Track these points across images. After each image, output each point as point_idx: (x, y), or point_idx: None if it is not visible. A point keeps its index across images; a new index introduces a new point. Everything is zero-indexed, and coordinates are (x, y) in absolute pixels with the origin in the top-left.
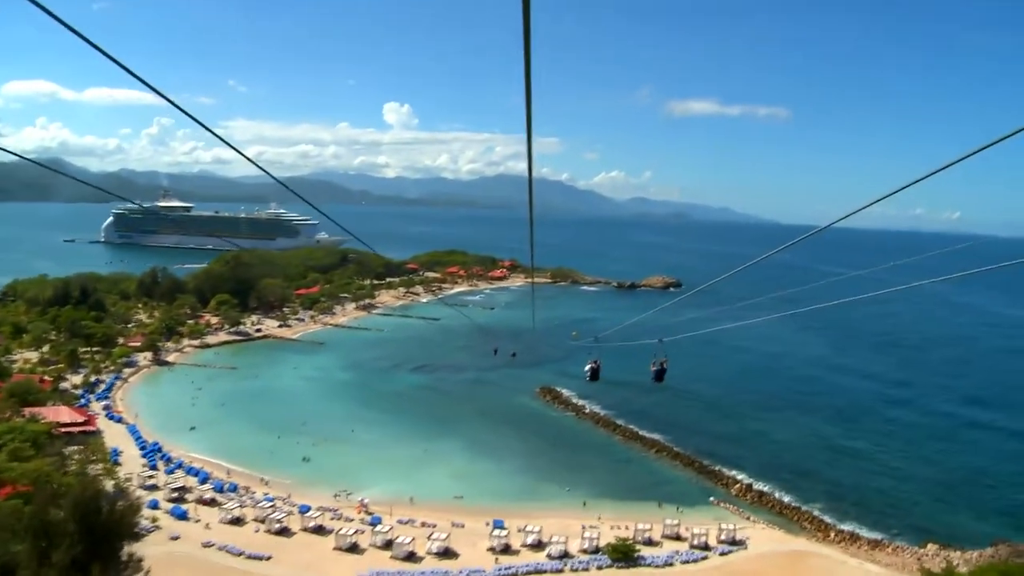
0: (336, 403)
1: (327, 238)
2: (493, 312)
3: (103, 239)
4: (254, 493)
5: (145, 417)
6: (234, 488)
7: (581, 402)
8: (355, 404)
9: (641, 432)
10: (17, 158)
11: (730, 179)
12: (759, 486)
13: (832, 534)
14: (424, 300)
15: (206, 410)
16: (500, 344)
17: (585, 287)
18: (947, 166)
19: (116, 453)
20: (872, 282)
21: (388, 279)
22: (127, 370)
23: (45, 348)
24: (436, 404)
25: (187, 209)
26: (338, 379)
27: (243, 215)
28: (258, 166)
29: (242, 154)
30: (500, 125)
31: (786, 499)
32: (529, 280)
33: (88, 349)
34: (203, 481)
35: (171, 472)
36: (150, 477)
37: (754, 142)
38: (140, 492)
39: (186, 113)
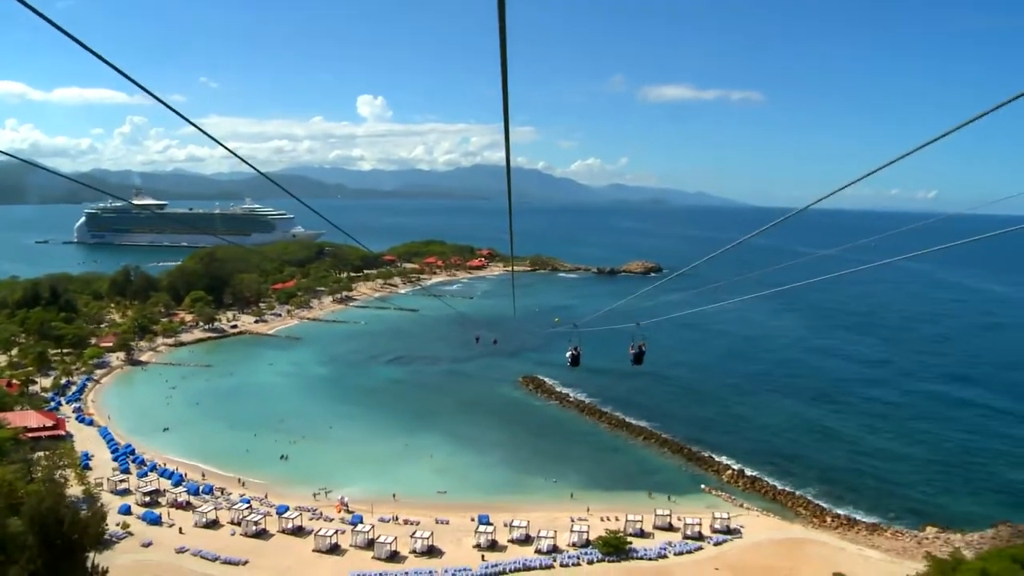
0: (313, 399)
1: (303, 232)
2: (472, 301)
3: (76, 240)
4: (230, 494)
5: (117, 419)
6: (209, 490)
7: (565, 390)
8: (333, 400)
9: (627, 419)
10: None
11: (706, 164)
12: (750, 472)
13: (828, 519)
14: (402, 291)
15: (180, 410)
16: (482, 332)
17: (565, 274)
18: (918, 148)
19: (87, 457)
20: (843, 261)
21: (365, 271)
22: (99, 371)
23: (14, 351)
24: (416, 397)
25: (160, 207)
26: (315, 374)
27: (217, 211)
28: (246, 162)
29: (233, 152)
30: (475, 115)
31: (779, 485)
32: (508, 268)
33: (59, 351)
34: (177, 483)
35: (144, 475)
36: (122, 481)
37: (729, 126)
38: (111, 497)
39: (175, 111)
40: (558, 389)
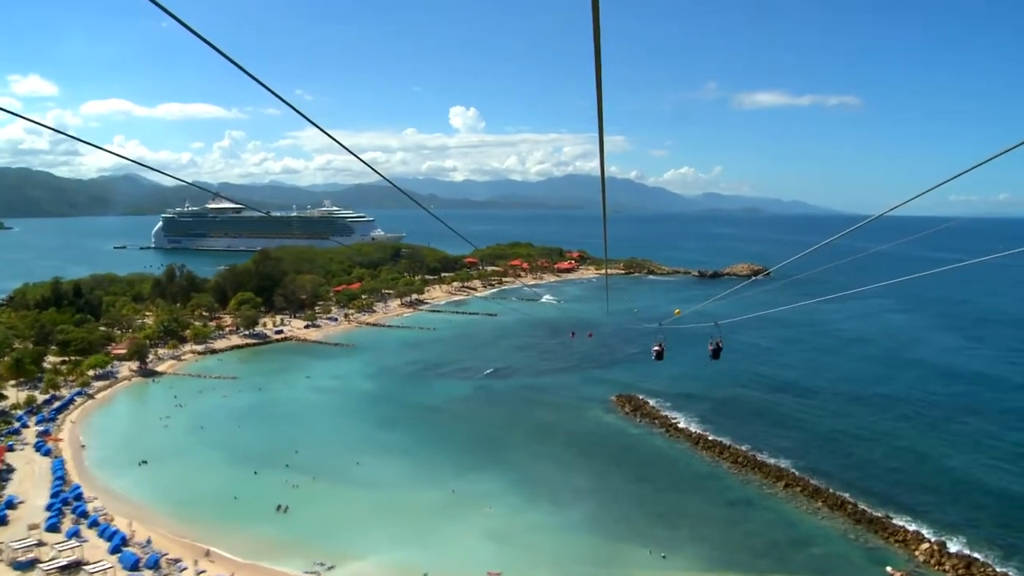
0: (347, 422)
1: (383, 235)
2: (559, 305)
3: (153, 245)
4: (184, 569)
5: (93, 447)
6: (154, 562)
7: (672, 414)
8: (371, 423)
9: (758, 457)
10: (96, 174)
11: (802, 172)
12: (958, 546)
13: None
14: (481, 294)
15: (177, 435)
16: (576, 329)
17: (662, 277)
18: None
19: (9, 504)
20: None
21: (443, 274)
22: (99, 383)
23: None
24: (479, 421)
25: (237, 211)
26: (359, 389)
27: (295, 215)
28: (373, 167)
29: (363, 160)
30: (567, 125)
31: (1010, 571)
32: (600, 271)
33: (64, 359)
34: (115, 550)
35: (74, 534)
36: (36, 545)
37: (826, 133)
38: (9, 573)
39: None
40: (663, 412)
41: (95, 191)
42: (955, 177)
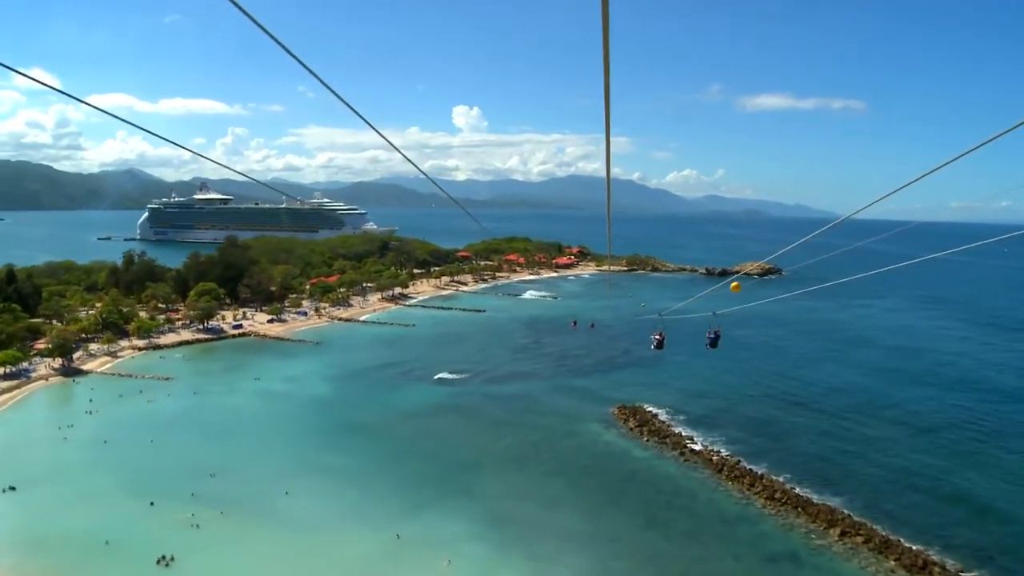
0: (286, 437)
1: (375, 228)
2: (556, 302)
3: (139, 236)
4: None
5: None
6: None
7: (686, 432)
8: (314, 439)
9: (800, 492)
10: (97, 169)
11: (806, 175)
12: None
13: None
14: (471, 289)
15: (72, 451)
16: (578, 318)
17: (667, 274)
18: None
19: None
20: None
21: (434, 268)
22: (5, 383)
23: None
24: (446, 438)
25: (224, 202)
26: (310, 395)
27: (284, 206)
28: (409, 159)
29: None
30: (571, 126)
31: None
32: (600, 268)
33: None
34: None
35: None
36: None
37: (830, 136)
38: None
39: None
40: (675, 429)
41: (93, 185)
42: (907, 186)
